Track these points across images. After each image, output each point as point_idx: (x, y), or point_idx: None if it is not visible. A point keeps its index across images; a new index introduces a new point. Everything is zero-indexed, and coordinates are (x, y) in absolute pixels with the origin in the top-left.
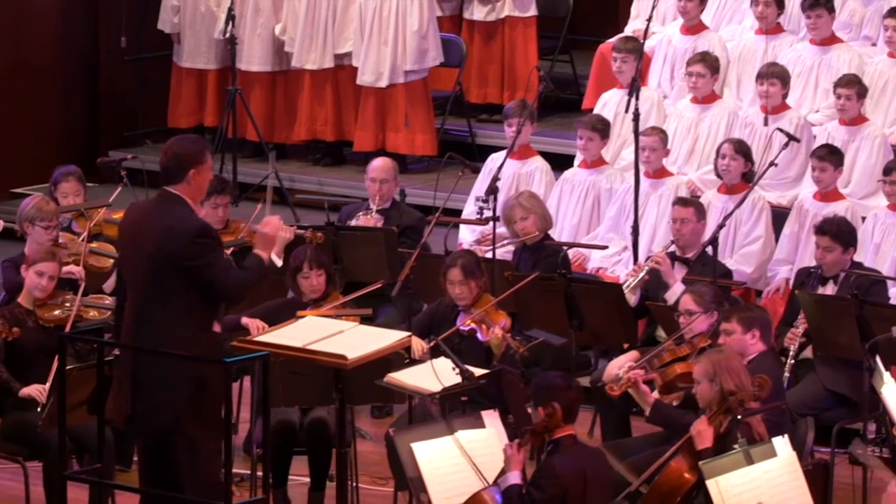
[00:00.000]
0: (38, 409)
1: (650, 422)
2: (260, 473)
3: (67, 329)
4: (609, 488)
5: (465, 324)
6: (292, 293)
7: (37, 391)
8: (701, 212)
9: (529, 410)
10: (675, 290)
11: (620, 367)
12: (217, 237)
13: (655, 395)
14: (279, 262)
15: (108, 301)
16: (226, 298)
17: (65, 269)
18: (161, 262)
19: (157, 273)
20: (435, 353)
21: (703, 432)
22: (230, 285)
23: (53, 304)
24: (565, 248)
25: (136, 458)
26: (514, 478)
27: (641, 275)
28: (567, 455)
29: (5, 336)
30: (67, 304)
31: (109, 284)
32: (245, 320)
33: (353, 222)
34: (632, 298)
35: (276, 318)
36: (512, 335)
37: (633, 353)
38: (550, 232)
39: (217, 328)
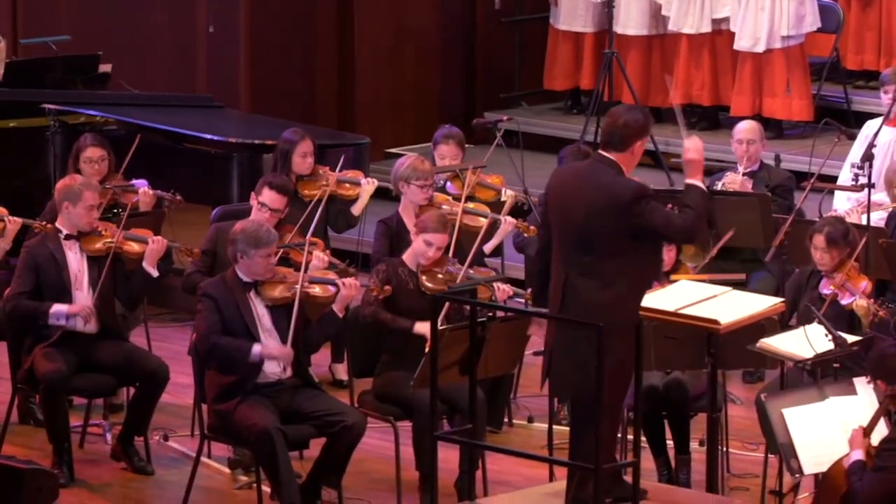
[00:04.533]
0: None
1: None
2: (630, 437)
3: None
4: None
5: (826, 288)
6: None
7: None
8: None
9: (871, 385)
10: None
11: None
12: (651, 191)
13: None
14: None
15: (485, 272)
16: (681, 239)
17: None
18: (596, 223)
19: (593, 233)
20: (804, 318)
21: None
22: (677, 226)
23: (435, 272)
24: None
25: (506, 420)
26: (857, 455)
27: None
28: None
29: (377, 294)
30: (451, 273)
31: (490, 246)
32: None
33: (719, 184)
34: None
35: None
36: (874, 299)
37: None
38: None
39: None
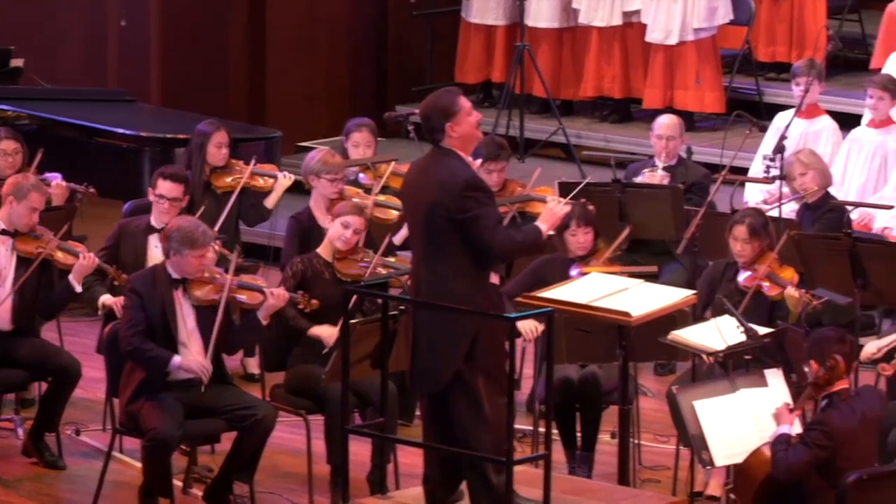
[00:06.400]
0: (325, 351)
1: None
2: (542, 429)
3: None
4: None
5: (748, 280)
6: (559, 250)
7: (328, 333)
8: None
9: (805, 368)
10: None
11: (881, 346)
12: (489, 190)
13: None
14: None
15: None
16: (493, 254)
17: None
18: (435, 216)
19: (432, 228)
20: (718, 311)
21: None
22: (498, 240)
23: (353, 260)
24: (850, 207)
25: (417, 413)
26: (785, 429)
27: None
28: (843, 409)
29: (303, 307)
30: (366, 261)
31: (400, 237)
32: None
33: (639, 179)
34: None
35: (543, 274)
36: (805, 290)
37: None
38: (836, 191)
39: (495, 279)
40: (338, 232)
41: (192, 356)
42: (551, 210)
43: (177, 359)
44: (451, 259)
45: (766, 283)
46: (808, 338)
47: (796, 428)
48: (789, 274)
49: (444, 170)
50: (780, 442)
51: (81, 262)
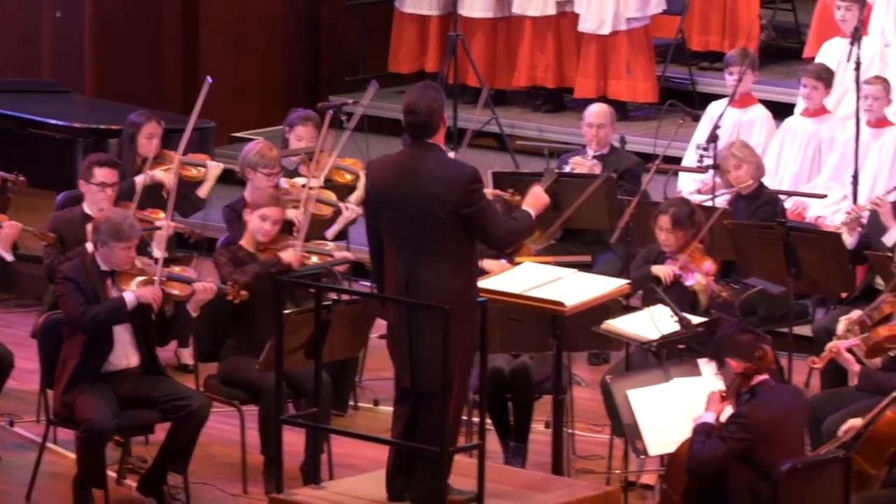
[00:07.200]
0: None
1: (860, 390)
2: (476, 419)
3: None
4: (806, 423)
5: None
6: None
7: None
8: None
9: (720, 374)
10: (893, 234)
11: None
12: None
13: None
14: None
15: (330, 247)
16: (496, 246)
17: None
18: (435, 211)
19: (431, 224)
20: (649, 300)
21: None
22: (502, 232)
23: (276, 249)
24: (784, 196)
25: (352, 403)
26: (708, 417)
27: (860, 213)
28: (763, 402)
29: (233, 298)
30: (290, 249)
31: (332, 231)
32: None
33: (567, 166)
34: (848, 240)
35: None
36: (716, 280)
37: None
38: (769, 180)
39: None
40: (257, 225)
41: (124, 342)
42: (537, 195)
43: (129, 295)
44: (449, 255)
45: (684, 273)
46: (714, 341)
47: (726, 415)
48: (703, 262)
49: (443, 165)
50: (700, 431)
51: (5, 230)
